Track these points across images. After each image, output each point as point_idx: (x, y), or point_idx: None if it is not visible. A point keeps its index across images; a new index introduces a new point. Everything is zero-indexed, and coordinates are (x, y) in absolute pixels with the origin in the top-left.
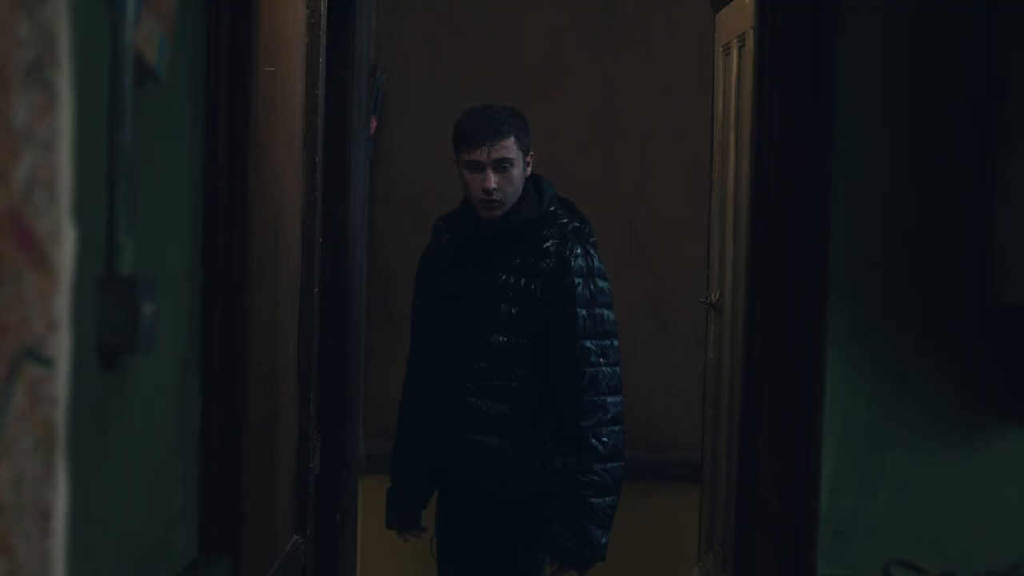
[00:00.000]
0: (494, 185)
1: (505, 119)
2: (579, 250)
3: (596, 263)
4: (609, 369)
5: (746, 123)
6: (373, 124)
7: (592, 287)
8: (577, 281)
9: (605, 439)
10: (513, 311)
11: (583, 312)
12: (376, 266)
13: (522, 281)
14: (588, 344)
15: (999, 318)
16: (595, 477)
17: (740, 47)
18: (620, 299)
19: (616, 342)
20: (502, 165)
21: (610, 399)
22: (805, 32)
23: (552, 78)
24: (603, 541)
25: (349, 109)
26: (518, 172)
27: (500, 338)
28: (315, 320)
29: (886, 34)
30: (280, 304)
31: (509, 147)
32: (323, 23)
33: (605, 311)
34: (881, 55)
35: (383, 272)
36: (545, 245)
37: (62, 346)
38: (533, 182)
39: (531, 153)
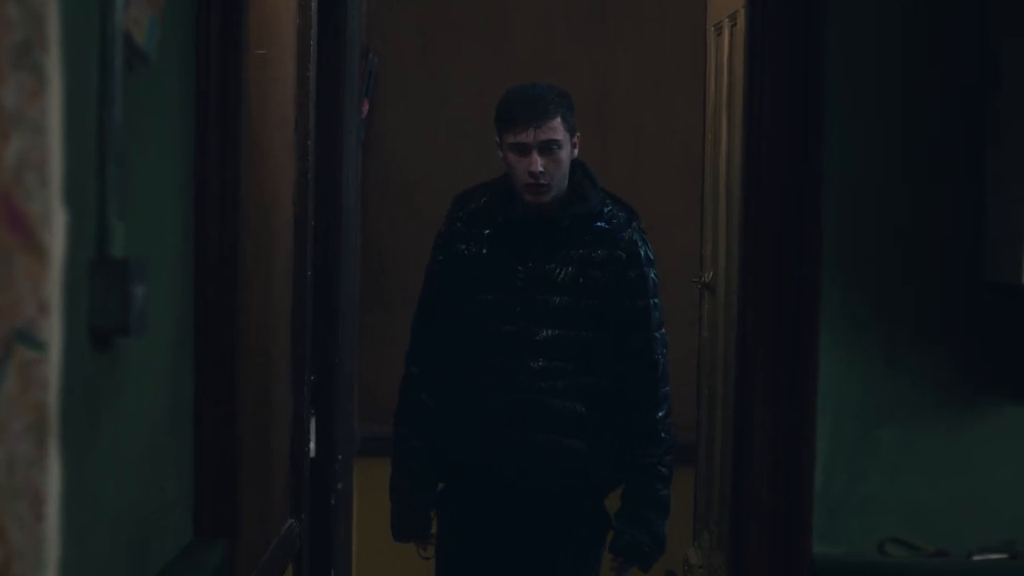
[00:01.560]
0: (541, 168)
1: (552, 98)
2: (640, 239)
3: (651, 252)
4: (667, 359)
5: (738, 103)
6: (365, 107)
7: (655, 276)
8: (646, 271)
9: (671, 430)
10: (582, 304)
11: (653, 302)
12: (368, 249)
13: (591, 273)
14: (657, 335)
15: (991, 297)
16: (665, 469)
17: (731, 26)
18: None
19: None
20: (549, 147)
21: (668, 389)
22: (796, 15)
23: (543, 69)
24: (664, 532)
25: (341, 92)
26: (566, 154)
27: (569, 333)
28: (308, 303)
29: (878, 19)
30: (273, 287)
31: (556, 128)
32: (314, 5)
33: (660, 301)
34: (873, 40)
35: (375, 255)
36: (610, 235)
37: (54, 329)
38: (580, 166)
39: (578, 134)
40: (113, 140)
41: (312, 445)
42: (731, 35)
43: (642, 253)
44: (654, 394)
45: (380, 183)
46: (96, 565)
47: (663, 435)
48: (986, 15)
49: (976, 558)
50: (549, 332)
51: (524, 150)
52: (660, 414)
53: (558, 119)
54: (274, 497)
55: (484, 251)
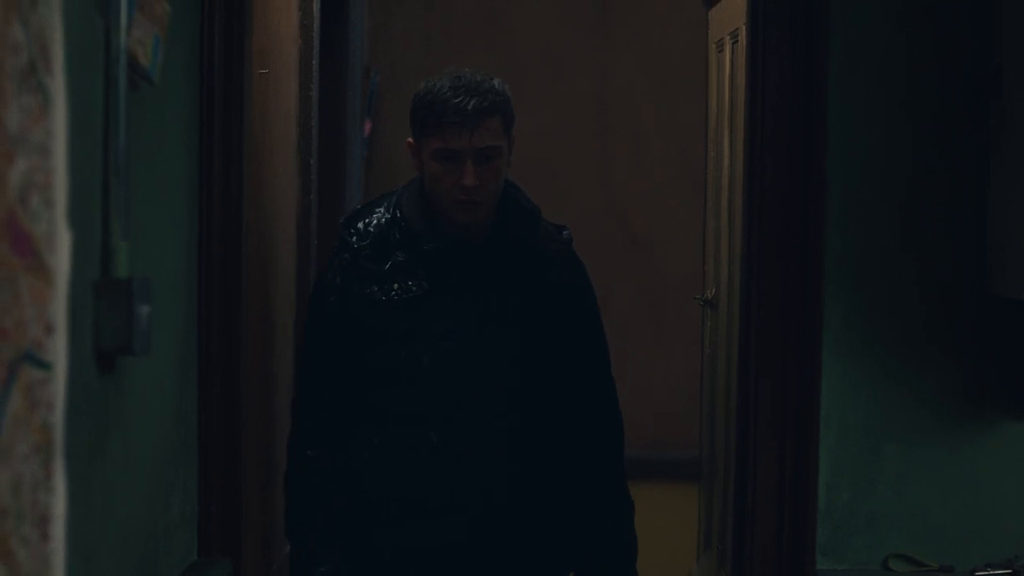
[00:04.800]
0: (476, 181)
1: (488, 90)
2: (579, 259)
3: None
4: None
5: (740, 120)
6: (367, 127)
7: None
8: (595, 296)
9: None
10: (538, 344)
11: (603, 338)
12: None
13: (544, 304)
14: (610, 375)
15: (996, 312)
16: (635, 543)
17: (733, 43)
18: (615, 294)
19: None
20: (486, 155)
21: None
22: (798, 32)
23: (547, 73)
24: None
25: (343, 111)
26: (503, 163)
27: (527, 383)
28: None
29: (880, 34)
30: (275, 306)
31: (495, 130)
32: (316, 25)
33: None
34: (874, 50)
35: None
36: (558, 257)
37: (59, 349)
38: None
39: (513, 137)
40: (117, 161)
41: None
42: (732, 52)
43: (587, 274)
44: (618, 450)
45: None
46: None
47: (630, 497)
48: (988, 25)
49: (979, 574)
50: (504, 384)
51: (455, 158)
52: (622, 471)
53: (497, 119)
54: (277, 516)
55: (418, 288)
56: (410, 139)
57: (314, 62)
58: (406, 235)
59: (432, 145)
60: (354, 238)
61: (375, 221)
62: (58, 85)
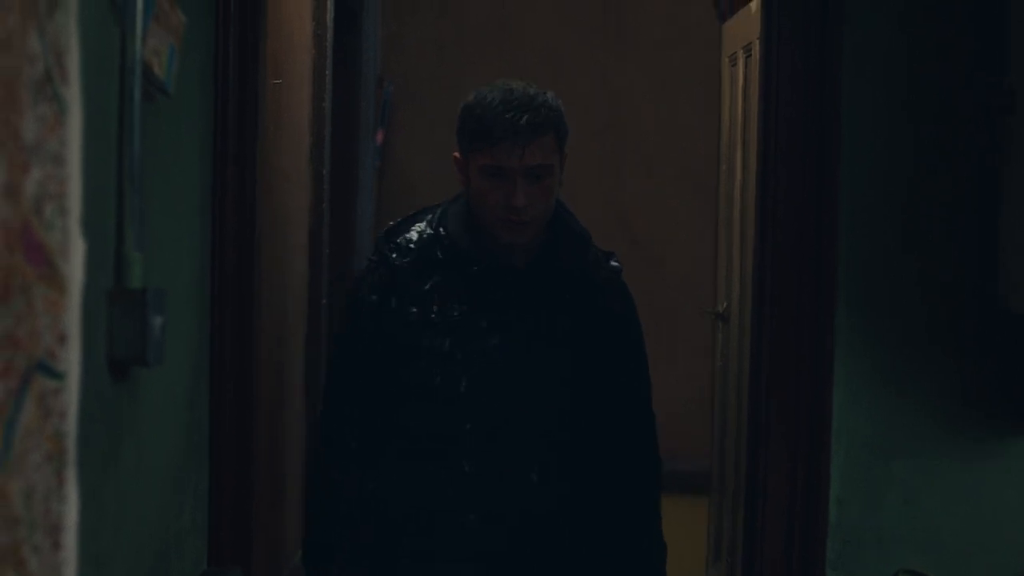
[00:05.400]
0: (526, 201)
1: (541, 105)
2: (626, 287)
3: None
4: None
5: (753, 133)
6: (380, 136)
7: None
8: (639, 331)
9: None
10: (584, 379)
11: (646, 372)
12: None
13: (591, 336)
14: (651, 409)
15: (1005, 327)
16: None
17: (746, 57)
18: None
19: None
20: (536, 173)
21: None
22: (811, 46)
23: (552, 76)
24: None
25: (356, 121)
26: (555, 182)
27: (570, 418)
28: (323, 331)
29: (884, 32)
30: (288, 315)
31: (548, 148)
32: (329, 36)
33: None
34: (886, 65)
35: None
36: (607, 284)
37: (72, 359)
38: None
39: (566, 152)
40: (132, 170)
41: None
42: (746, 66)
43: (634, 306)
44: (656, 489)
45: (395, 211)
46: None
47: (664, 542)
48: (1004, 44)
49: None
50: (553, 404)
51: (504, 176)
52: (658, 513)
53: (550, 135)
54: (287, 524)
55: (459, 311)
56: (456, 153)
57: (327, 72)
58: (449, 253)
59: (480, 161)
60: (394, 255)
61: (416, 236)
62: (73, 94)
